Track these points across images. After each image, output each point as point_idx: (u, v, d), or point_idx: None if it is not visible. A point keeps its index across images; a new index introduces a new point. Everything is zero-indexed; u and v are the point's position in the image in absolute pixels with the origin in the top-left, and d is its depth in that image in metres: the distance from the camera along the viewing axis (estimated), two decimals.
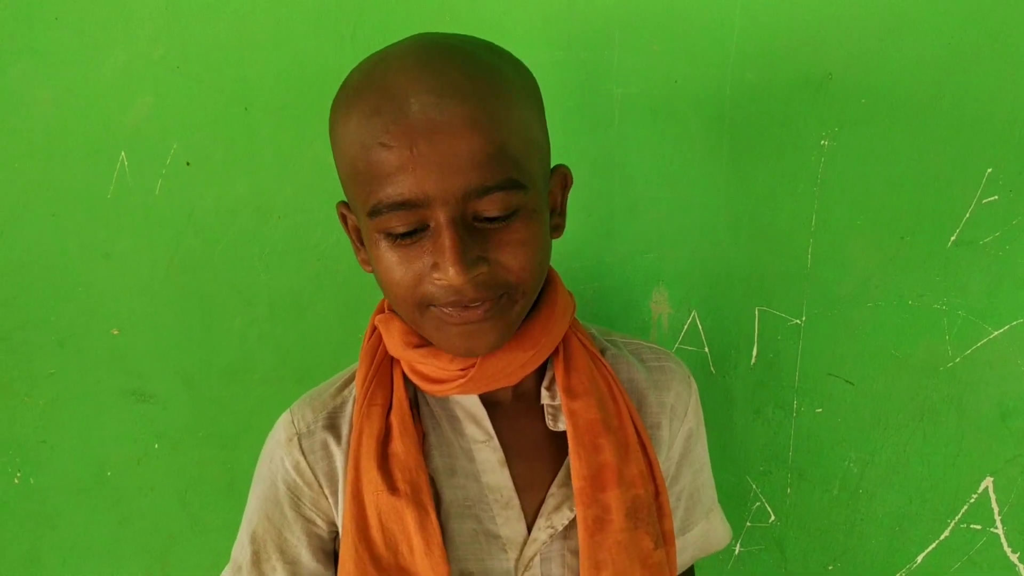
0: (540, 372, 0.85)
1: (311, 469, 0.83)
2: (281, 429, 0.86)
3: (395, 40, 1.04)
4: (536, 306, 0.81)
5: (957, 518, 1.08)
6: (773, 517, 1.13)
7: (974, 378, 1.03)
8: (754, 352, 1.07)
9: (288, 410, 0.87)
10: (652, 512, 0.83)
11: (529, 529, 0.82)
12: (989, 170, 0.97)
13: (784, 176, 1.00)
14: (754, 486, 1.13)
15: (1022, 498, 1.06)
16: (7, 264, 1.35)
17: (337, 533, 0.85)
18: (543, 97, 1.04)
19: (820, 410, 1.07)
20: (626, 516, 0.80)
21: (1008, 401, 1.03)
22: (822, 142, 0.98)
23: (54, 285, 1.33)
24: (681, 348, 1.10)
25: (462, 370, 0.78)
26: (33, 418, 1.44)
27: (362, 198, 0.72)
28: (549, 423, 0.84)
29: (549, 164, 0.80)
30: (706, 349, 1.09)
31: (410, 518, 0.77)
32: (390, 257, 0.72)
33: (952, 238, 0.99)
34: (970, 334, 1.02)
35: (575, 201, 1.07)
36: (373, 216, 0.71)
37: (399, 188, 0.68)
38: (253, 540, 0.86)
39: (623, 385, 0.86)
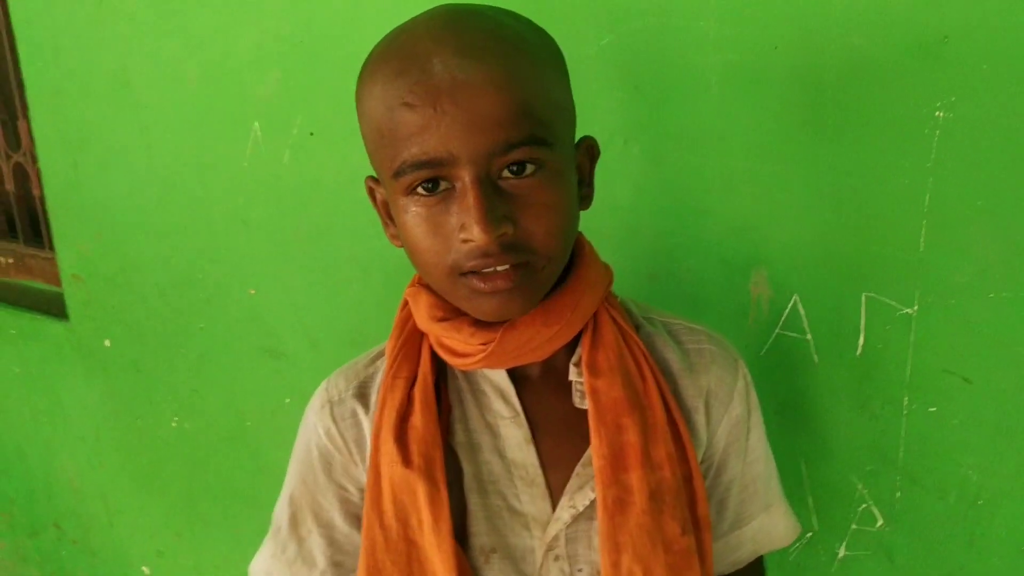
0: (571, 347, 0.83)
1: (341, 435, 0.85)
2: (316, 397, 0.89)
3: (528, 12, 1.06)
4: (564, 279, 0.79)
5: None
6: (881, 521, 1.05)
7: None
8: (860, 342, 0.99)
9: (325, 380, 0.90)
10: (681, 496, 0.79)
11: (553, 507, 0.81)
12: None
13: (894, 151, 0.91)
14: (859, 486, 1.05)
15: None
16: (165, 226, 1.49)
17: None
18: (639, 67, 1.01)
19: (934, 409, 0.98)
20: (649, 498, 0.77)
21: None
22: (937, 113, 0.89)
23: (202, 246, 1.45)
24: (782, 334, 1.04)
25: (483, 344, 0.77)
26: (186, 368, 1.59)
27: (387, 161, 0.72)
28: (576, 400, 0.82)
29: (574, 131, 0.79)
30: (808, 336, 1.02)
31: (421, 492, 0.78)
32: (417, 222, 0.72)
33: None
34: None
35: (667, 176, 1.04)
36: (398, 176, 0.71)
37: (424, 147, 0.69)
38: (291, 502, 0.89)
39: (657, 364, 0.83)
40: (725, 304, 1.06)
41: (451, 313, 0.80)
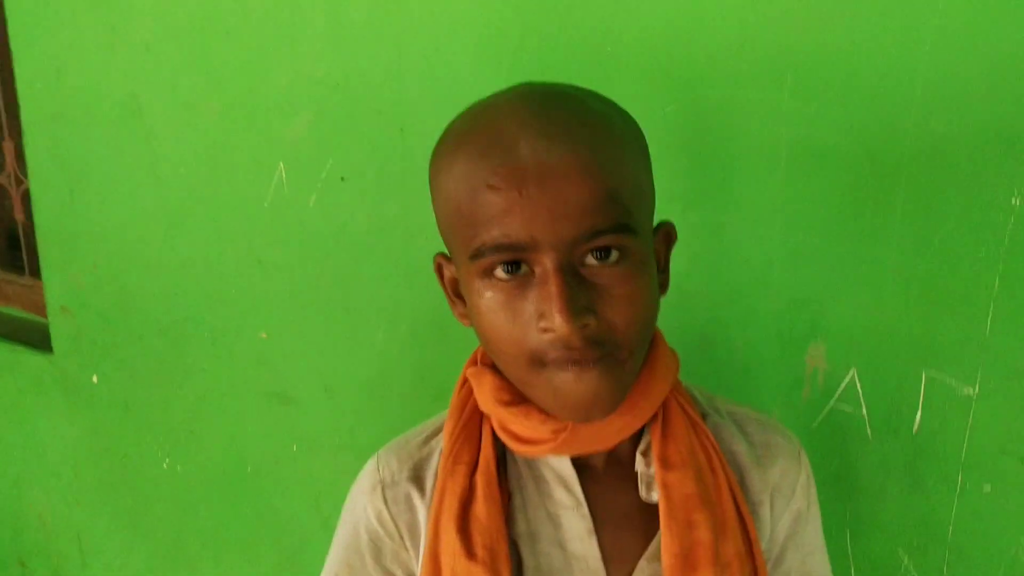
0: (636, 436, 0.80)
1: (393, 520, 0.81)
2: (366, 476, 0.84)
3: (556, 67, 1.03)
4: None
5: None
6: None
7: None
8: (917, 419, 0.99)
9: (374, 456, 0.85)
10: None
11: None
12: None
13: (966, 236, 0.91)
14: (906, 560, 1.05)
15: None
16: (171, 262, 1.42)
17: None
18: (705, 136, 0.99)
19: (989, 488, 0.98)
20: None
21: None
22: (1013, 200, 0.89)
23: (211, 286, 1.39)
24: (837, 408, 1.03)
25: (554, 432, 0.74)
26: (184, 409, 1.52)
27: (465, 241, 0.69)
28: (642, 493, 0.79)
29: (654, 217, 0.76)
30: (864, 411, 1.02)
31: None
32: (493, 307, 0.69)
33: None
34: None
35: (728, 246, 1.02)
36: (476, 258, 0.68)
37: (506, 230, 0.66)
38: None
39: (725, 456, 0.81)
40: (780, 376, 1.05)
41: (519, 397, 0.76)
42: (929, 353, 0.97)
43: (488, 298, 0.69)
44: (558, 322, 0.65)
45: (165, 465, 1.58)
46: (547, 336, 0.67)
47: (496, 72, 1.05)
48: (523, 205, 0.65)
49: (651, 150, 0.96)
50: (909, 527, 1.04)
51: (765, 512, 0.83)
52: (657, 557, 0.77)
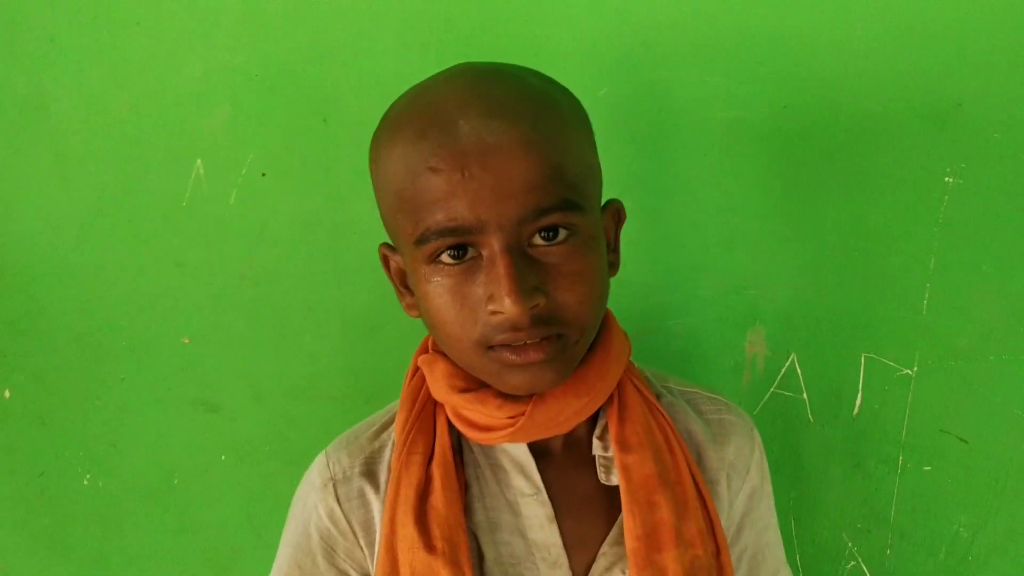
0: (592, 419, 0.79)
1: (346, 517, 0.78)
2: (316, 473, 0.81)
3: (484, 51, 0.99)
4: (591, 348, 0.75)
5: None
6: None
7: None
8: (858, 402, 0.99)
9: (323, 452, 0.82)
10: (711, 573, 0.76)
11: None
12: None
13: (902, 213, 0.91)
14: (850, 544, 1.04)
15: None
16: (83, 267, 1.34)
17: None
18: (638, 120, 0.97)
19: (929, 468, 0.98)
20: None
21: None
22: (947, 179, 0.89)
23: (127, 290, 1.32)
24: (777, 393, 1.02)
25: (511, 418, 0.72)
26: (104, 421, 1.44)
27: (408, 228, 0.68)
28: (601, 476, 0.78)
29: (601, 194, 0.75)
30: (805, 395, 1.01)
31: None
32: (440, 292, 0.68)
33: None
34: None
35: (665, 231, 1.00)
36: (421, 243, 0.66)
37: (450, 213, 0.64)
38: None
39: (681, 436, 0.80)
40: (720, 362, 1.03)
41: (473, 384, 0.74)
42: (867, 335, 0.96)
43: (435, 284, 0.68)
44: (507, 304, 0.64)
45: (86, 481, 1.50)
46: (495, 319, 0.66)
47: (423, 57, 1.01)
48: (466, 186, 0.63)
49: None
50: (852, 510, 1.03)
51: (722, 490, 0.82)
52: (619, 541, 0.76)
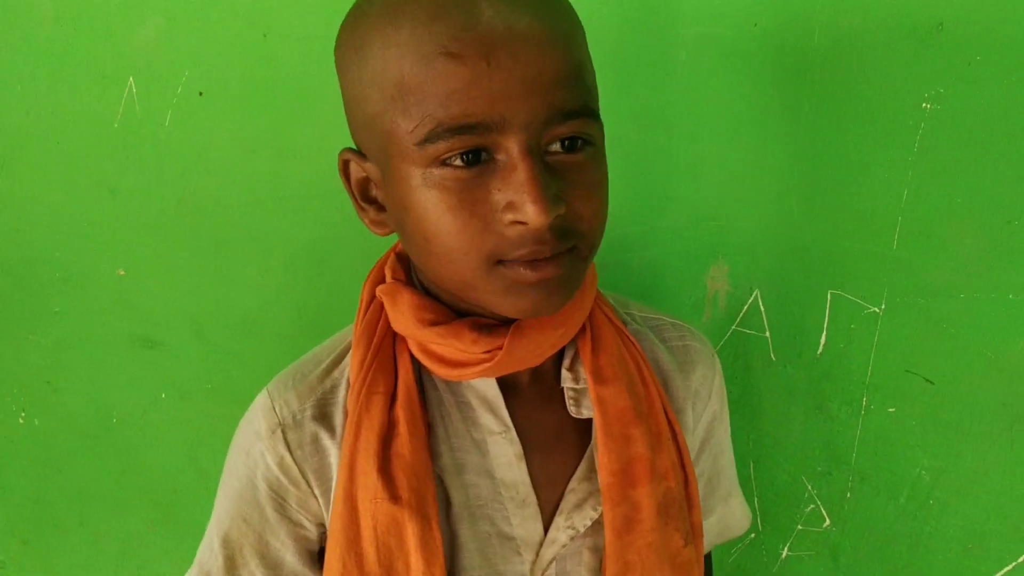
0: (558, 351, 0.73)
1: (298, 466, 0.71)
2: (260, 418, 0.73)
3: None
4: None
5: None
6: (828, 522, 1.02)
7: None
8: (822, 340, 0.95)
9: (264, 393, 0.74)
10: (683, 506, 0.73)
11: (546, 528, 0.72)
12: None
13: (875, 142, 0.86)
14: (809, 487, 1.01)
15: None
16: (10, 194, 1.26)
17: (324, 532, 0.74)
18: (600, 35, 0.91)
19: (893, 409, 0.95)
20: (657, 513, 0.70)
21: None
22: (924, 104, 0.84)
23: (58, 219, 1.25)
24: (738, 331, 0.98)
25: (487, 352, 0.66)
26: (39, 358, 1.37)
27: (410, 125, 0.59)
28: (571, 409, 0.73)
29: None
30: (767, 333, 0.97)
31: (411, 531, 0.66)
32: (445, 199, 0.59)
33: None
34: None
35: (627, 158, 0.95)
36: (426, 143, 0.58)
37: (468, 107, 0.56)
38: (226, 544, 0.74)
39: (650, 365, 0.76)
40: (680, 298, 0.99)
41: (445, 316, 0.68)
42: (834, 270, 0.92)
43: (438, 192, 0.59)
44: (531, 212, 0.57)
45: (21, 420, 1.44)
46: (514, 231, 0.59)
47: None
48: (491, 76, 0.56)
49: None
50: (813, 452, 1.00)
51: (687, 419, 0.79)
52: (588, 476, 0.72)
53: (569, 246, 0.61)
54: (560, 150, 0.60)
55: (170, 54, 1.07)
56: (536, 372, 0.74)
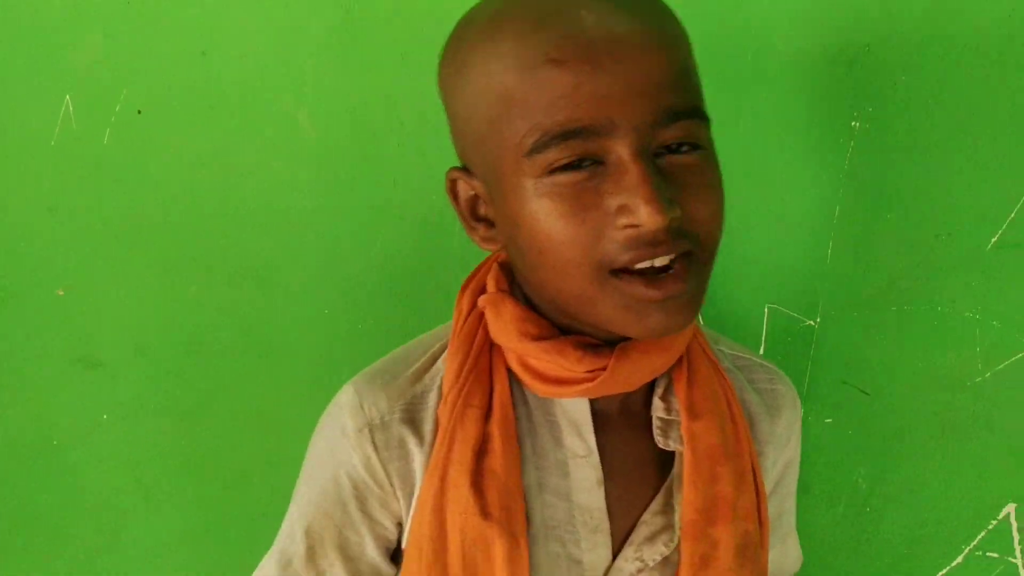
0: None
1: (383, 467, 0.71)
2: (348, 415, 0.72)
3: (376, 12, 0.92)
4: None
5: (973, 544, 0.99)
6: None
7: (1005, 396, 0.93)
8: (760, 353, 0.97)
9: (353, 388, 0.73)
10: (758, 549, 0.73)
11: (614, 556, 0.72)
12: None
13: (807, 159, 0.88)
14: None
15: None
16: None
17: (402, 531, 0.74)
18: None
19: (830, 420, 0.97)
20: (735, 554, 0.70)
21: None
22: (853, 123, 0.86)
23: None
24: None
25: (590, 371, 0.66)
26: None
27: (517, 137, 0.59)
28: (658, 439, 0.72)
29: None
30: None
31: (499, 549, 0.66)
32: (556, 210, 0.59)
33: (993, 240, 0.88)
34: (1004, 347, 0.91)
35: None
36: (535, 153, 0.58)
37: (575, 112, 0.57)
38: (308, 534, 0.74)
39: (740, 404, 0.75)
40: None
41: (549, 331, 0.68)
42: (771, 285, 0.94)
43: (549, 201, 0.59)
44: (645, 214, 0.56)
45: None
46: (627, 234, 0.58)
47: None
48: (596, 80, 0.57)
49: None
50: None
51: (767, 462, 0.79)
52: (662, 510, 0.72)
53: (685, 249, 0.60)
54: (671, 153, 0.60)
55: (108, 72, 1.06)
56: (626, 398, 0.73)
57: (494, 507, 0.67)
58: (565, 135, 0.58)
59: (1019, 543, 0.97)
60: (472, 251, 0.97)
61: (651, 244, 0.58)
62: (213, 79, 1.01)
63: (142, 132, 1.07)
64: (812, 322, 0.94)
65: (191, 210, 1.10)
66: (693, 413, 0.70)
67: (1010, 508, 0.97)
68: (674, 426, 0.72)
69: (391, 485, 0.72)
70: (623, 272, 0.60)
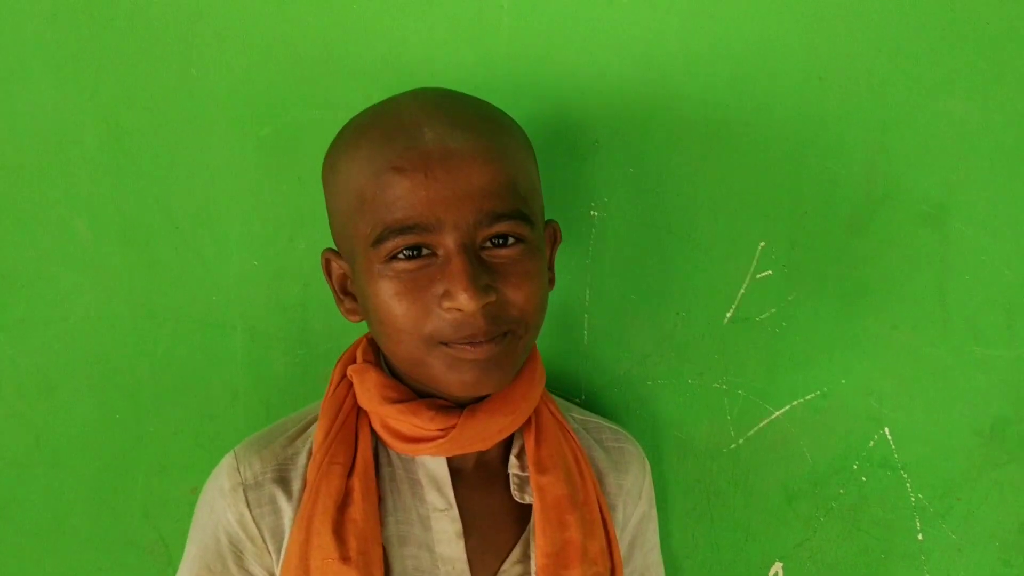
0: (506, 440, 0.81)
1: (255, 523, 0.78)
2: (224, 477, 0.80)
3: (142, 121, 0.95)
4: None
5: None
6: None
7: (758, 460, 0.99)
8: None
9: (232, 454, 0.81)
10: None
11: None
12: (762, 244, 0.93)
13: (561, 248, 0.94)
14: None
15: None
16: None
17: None
18: (303, 159, 0.96)
19: None
20: None
21: (793, 483, 0.99)
22: (592, 213, 0.93)
23: None
24: None
25: (441, 430, 0.75)
26: None
27: (367, 228, 0.71)
28: (515, 494, 0.81)
29: (543, 215, 0.80)
30: None
31: None
32: (393, 290, 0.70)
33: (728, 314, 0.95)
34: (751, 414, 0.97)
35: None
36: (379, 243, 0.69)
37: (410, 211, 0.68)
38: None
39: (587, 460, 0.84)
40: None
41: (406, 395, 0.77)
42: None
43: (388, 283, 0.70)
44: (463, 300, 0.67)
45: None
46: (450, 316, 0.69)
47: (78, 97, 0.96)
48: (428, 186, 0.68)
49: (253, 174, 0.92)
50: None
51: (619, 515, 0.87)
52: (521, 559, 0.81)
53: (503, 330, 0.71)
54: (492, 246, 0.71)
55: None
56: (482, 458, 0.81)
57: (353, 552, 0.74)
58: (402, 230, 0.69)
59: None
60: (255, 352, 1.00)
61: (471, 326, 0.69)
62: None
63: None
64: (578, 400, 0.99)
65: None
66: (541, 468, 0.79)
67: (777, 567, 1.01)
68: (528, 481, 0.81)
69: (263, 540, 0.78)
70: (452, 343, 0.71)
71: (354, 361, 0.82)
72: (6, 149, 0.99)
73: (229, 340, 1.01)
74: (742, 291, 0.94)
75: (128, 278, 1.00)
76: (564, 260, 0.94)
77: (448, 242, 0.69)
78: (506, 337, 0.72)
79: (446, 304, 0.69)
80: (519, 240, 0.72)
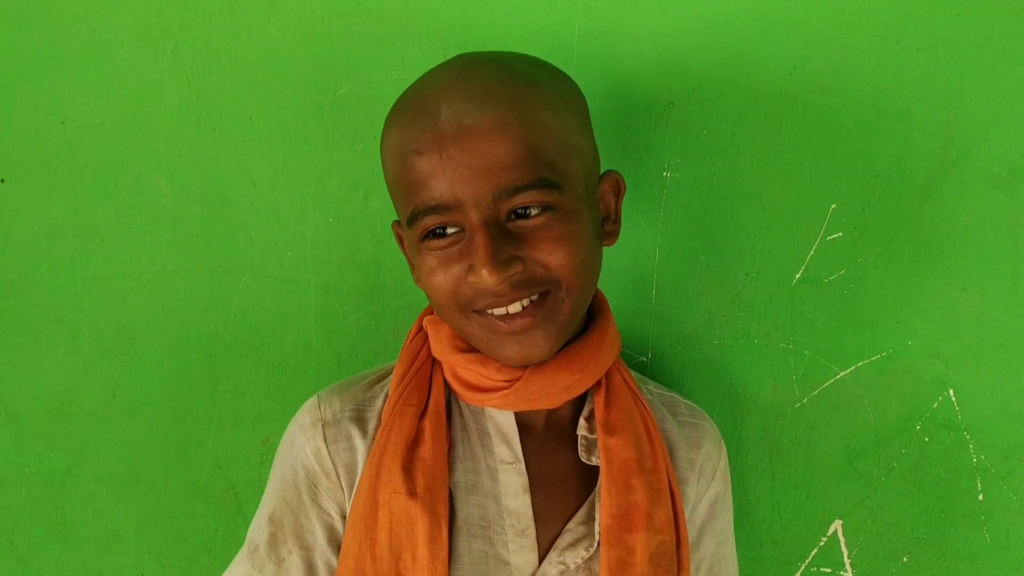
0: (578, 402, 0.84)
1: (331, 458, 0.82)
2: (306, 413, 0.84)
3: (215, 51, 0.98)
4: (586, 329, 0.81)
5: (807, 561, 1.05)
6: None
7: (822, 419, 1.00)
8: None
9: (315, 396, 0.85)
10: (673, 561, 0.81)
11: (540, 560, 0.80)
12: (833, 206, 0.94)
13: (627, 208, 0.95)
14: None
15: (871, 541, 1.04)
16: None
17: (346, 523, 0.82)
18: (379, 119, 0.98)
19: None
20: (649, 561, 0.78)
21: (855, 443, 1.01)
22: (665, 174, 0.94)
23: None
24: None
25: (507, 381, 0.77)
26: None
27: (403, 208, 0.75)
28: (582, 455, 0.82)
29: (596, 169, 0.80)
30: None
31: (421, 527, 0.76)
32: (431, 263, 0.73)
33: (797, 276, 0.96)
34: (817, 374, 0.99)
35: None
36: (412, 223, 0.73)
37: (432, 192, 0.70)
38: (271, 521, 0.83)
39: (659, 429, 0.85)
40: None
41: (473, 346, 0.79)
42: None
43: (427, 257, 0.74)
44: (484, 275, 0.69)
45: None
46: (476, 286, 0.72)
47: (160, 58, 0.98)
48: (444, 166, 0.69)
49: (330, 135, 0.93)
50: None
51: (690, 490, 0.87)
52: (586, 520, 0.81)
53: (537, 291, 0.73)
54: (520, 217, 0.72)
55: None
56: (552, 418, 0.83)
57: (420, 488, 0.77)
58: (427, 211, 0.71)
59: (848, 557, 1.04)
60: (328, 307, 1.02)
61: (495, 295, 0.72)
62: (73, 146, 1.05)
63: (5, 200, 1.09)
64: (644, 358, 1.00)
65: (53, 275, 1.12)
66: (609, 430, 0.80)
67: (837, 524, 1.03)
68: (596, 445, 0.82)
69: (337, 476, 0.82)
70: (484, 312, 0.74)
71: (432, 313, 0.85)
72: (88, 107, 1.02)
73: (303, 295, 1.04)
74: (812, 253, 0.95)
75: (205, 234, 1.03)
76: (635, 219, 0.95)
77: (472, 218, 0.71)
78: (546, 300, 0.73)
79: (471, 279, 0.72)
80: (546, 208, 0.72)
